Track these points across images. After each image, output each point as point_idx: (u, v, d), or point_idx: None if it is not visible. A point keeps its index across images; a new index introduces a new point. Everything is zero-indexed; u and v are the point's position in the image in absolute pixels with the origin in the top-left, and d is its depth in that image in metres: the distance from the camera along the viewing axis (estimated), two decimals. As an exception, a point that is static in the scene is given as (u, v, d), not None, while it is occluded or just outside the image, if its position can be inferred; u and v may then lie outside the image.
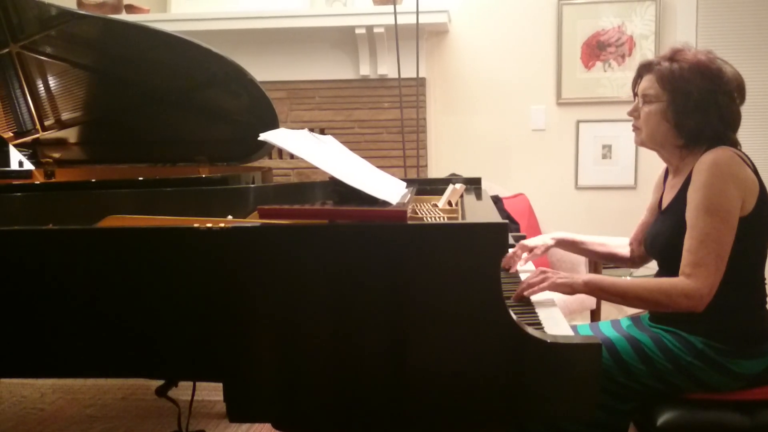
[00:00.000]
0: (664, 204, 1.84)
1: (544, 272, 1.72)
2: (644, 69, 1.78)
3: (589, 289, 1.68)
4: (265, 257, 1.38)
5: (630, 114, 1.82)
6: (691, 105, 1.68)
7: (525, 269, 2.06)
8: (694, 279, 1.59)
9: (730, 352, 1.65)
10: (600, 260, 3.09)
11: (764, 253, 1.72)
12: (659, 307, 1.66)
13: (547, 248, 2.07)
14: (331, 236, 1.37)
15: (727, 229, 1.60)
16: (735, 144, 1.73)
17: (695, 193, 1.64)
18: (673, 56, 1.72)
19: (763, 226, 1.68)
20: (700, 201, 1.62)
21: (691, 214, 1.64)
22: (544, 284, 1.68)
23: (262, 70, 3.54)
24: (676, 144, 1.75)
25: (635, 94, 1.82)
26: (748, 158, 1.70)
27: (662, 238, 1.77)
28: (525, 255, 2.04)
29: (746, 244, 1.64)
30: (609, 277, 1.70)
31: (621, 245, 2.08)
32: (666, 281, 1.64)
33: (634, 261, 2.04)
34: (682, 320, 1.68)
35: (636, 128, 1.82)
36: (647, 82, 1.76)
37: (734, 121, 1.73)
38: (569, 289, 1.68)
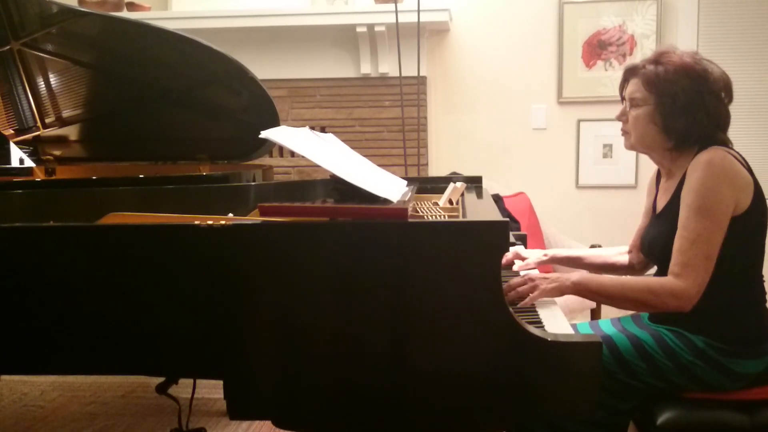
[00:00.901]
0: (659, 207, 1.84)
1: (531, 279, 1.69)
2: (630, 73, 1.78)
3: (577, 290, 1.67)
4: (266, 255, 1.38)
5: (618, 118, 1.82)
6: (678, 107, 1.68)
7: (527, 269, 2.06)
8: (683, 279, 1.59)
9: (730, 352, 1.65)
10: (599, 272, 3.05)
11: (762, 251, 1.73)
12: (647, 307, 1.66)
13: (540, 263, 2.05)
14: (332, 234, 1.37)
15: (718, 230, 1.60)
16: (725, 143, 1.72)
17: (688, 193, 1.64)
18: (658, 59, 1.72)
19: (760, 223, 1.69)
20: (693, 201, 1.62)
21: (683, 214, 1.64)
22: (535, 293, 1.65)
23: (263, 68, 3.55)
24: (665, 146, 1.75)
25: (623, 98, 1.82)
26: (742, 157, 1.70)
27: (659, 242, 1.77)
28: (517, 264, 2.04)
29: (743, 242, 1.65)
30: (597, 277, 1.70)
31: (618, 254, 2.07)
32: (654, 281, 1.65)
33: (634, 268, 2.03)
34: (683, 319, 1.68)
35: (625, 132, 1.81)
36: (633, 86, 1.76)
37: (723, 121, 1.73)
38: (558, 293, 1.67)
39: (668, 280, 1.62)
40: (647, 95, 1.72)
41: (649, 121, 1.73)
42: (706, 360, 1.65)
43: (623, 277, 1.76)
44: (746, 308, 1.69)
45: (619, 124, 1.84)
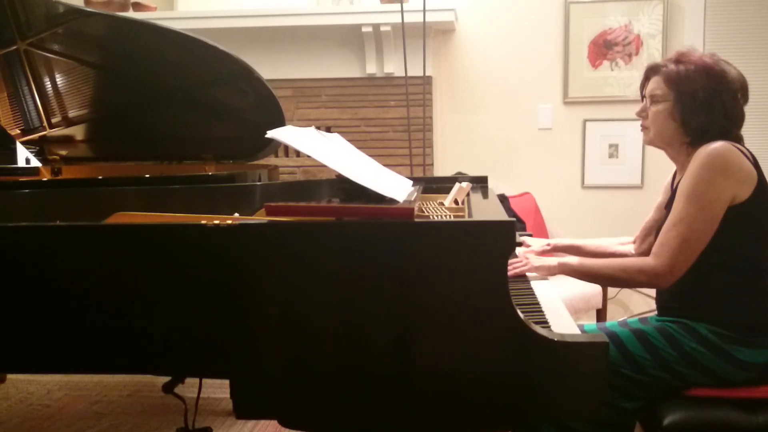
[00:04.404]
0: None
1: (526, 257, 1.91)
2: (651, 71, 1.85)
3: (561, 269, 1.83)
4: (272, 254, 1.38)
5: (638, 114, 1.88)
6: (697, 104, 1.73)
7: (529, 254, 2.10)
8: (655, 257, 1.68)
9: (734, 339, 1.67)
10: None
11: (766, 241, 1.75)
12: (620, 283, 1.78)
13: (543, 252, 2.14)
14: (338, 234, 1.37)
15: (703, 217, 1.65)
16: (738, 139, 1.77)
17: (684, 181, 1.70)
18: (679, 58, 1.79)
19: (762, 214, 1.71)
20: (685, 188, 1.69)
21: (675, 201, 1.71)
22: (524, 267, 1.88)
23: (269, 68, 3.55)
24: (683, 141, 1.80)
25: (643, 96, 1.88)
26: (749, 152, 1.73)
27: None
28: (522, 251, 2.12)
29: (744, 231, 1.69)
30: (580, 259, 1.84)
31: (621, 244, 2.13)
32: (628, 260, 1.78)
33: None
34: (686, 308, 1.73)
35: (644, 128, 1.88)
36: (654, 84, 1.82)
37: (738, 119, 1.78)
38: (546, 271, 1.86)
39: (641, 259, 1.75)
40: (667, 92, 1.78)
41: (668, 116, 1.79)
42: (709, 346, 1.68)
43: (604, 259, 1.88)
44: (750, 296, 1.72)
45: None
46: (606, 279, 1.81)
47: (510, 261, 1.86)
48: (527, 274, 1.99)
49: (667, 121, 1.79)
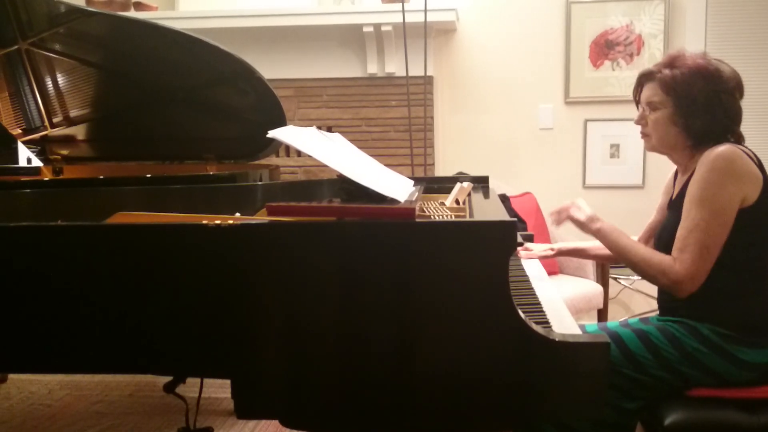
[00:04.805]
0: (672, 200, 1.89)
1: (577, 206, 1.92)
2: (645, 78, 1.83)
3: (599, 235, 1.83)
4: (273, 254, 1.38)
5: (637, 122, 1.87)
6: (698, 107, 1.73)
7: (530, 258, 2.11)
8: (677, 263, 1.67)
9: (735, 339, 1.67)
10: (604, 263, 3.24)
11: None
12: (640, 273, 1.76)
13: (545, 257, 2.15)
14: (339, 234, 1.37)
15: (717, 221, 1.65)
16: (740, 137, 1.78)
17: (693, 186, 1.69)
18: (672, 63, 1.77)
19: (766, 215, 1.71)
20: (695, 193, 1.67)
21: (686, 206, 1.70)
22: (567, 213, 1.93)
23: (270, 68, 3.55)
24: (686, 144, 1.79)
25: (637, 103, 1.87)
26: (754, 154, 1.73)
27: (667, 232, 1.81)
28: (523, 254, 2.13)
29: (750, 234, 1.69)
30: (617, 233, 1.81)
31: None
32: (656, 255, 1.73)
33: None
34: (688, 308, 1.72)
35: (645, 135, 1.86)
36: (650, 90, 1.81)
37: (738, 117, 1.78)
38: (582, 226, 1.87)
39: (666, 259, 1.71)
40: (665, 98, 1.77)
41: (669, 122, 1.78)
42: (711, 346, 1.68)
43: (637, 243, 1.85)
44: (751, 297, 1.72)
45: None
46: (630, 263, 1.78)
47: (556, 209, 1.97)
48: (527, 273, 2.00)
49: (668, 127, 1.78)
